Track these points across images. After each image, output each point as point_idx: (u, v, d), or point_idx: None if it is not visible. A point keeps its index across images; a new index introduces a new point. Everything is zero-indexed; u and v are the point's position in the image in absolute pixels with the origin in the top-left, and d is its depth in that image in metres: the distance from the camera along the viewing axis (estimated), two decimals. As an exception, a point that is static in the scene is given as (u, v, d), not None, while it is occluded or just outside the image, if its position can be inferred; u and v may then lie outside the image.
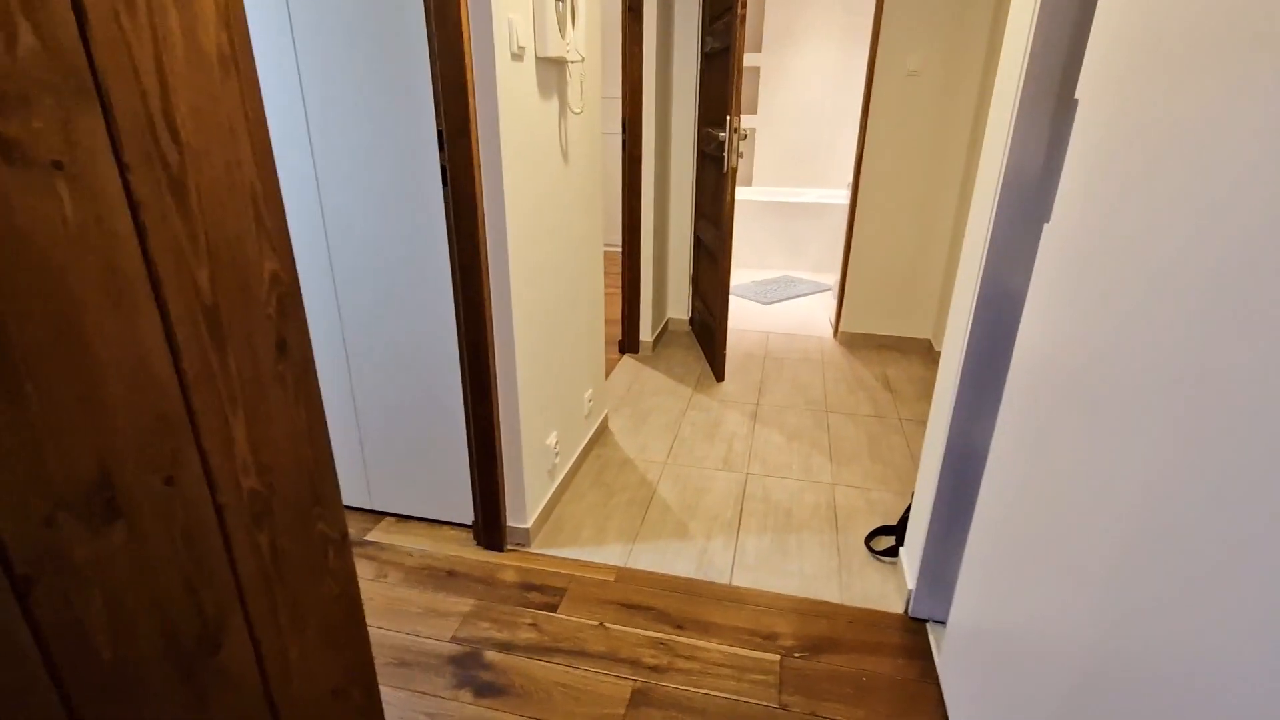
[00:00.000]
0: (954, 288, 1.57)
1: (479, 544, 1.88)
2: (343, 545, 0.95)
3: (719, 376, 3.06)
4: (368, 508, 2.02)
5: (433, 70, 1.45)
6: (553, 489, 2.03)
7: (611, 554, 1.85)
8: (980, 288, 1.34)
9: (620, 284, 3.36)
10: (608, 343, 3.45)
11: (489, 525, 1.84)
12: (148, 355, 0.63)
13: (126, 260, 0.61)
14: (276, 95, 1.59)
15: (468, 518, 1.94)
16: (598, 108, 2.15)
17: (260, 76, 1.61)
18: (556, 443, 2.02)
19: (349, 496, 2.02)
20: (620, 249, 3.25)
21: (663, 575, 1.77)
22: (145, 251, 0.62)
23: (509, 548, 1.87)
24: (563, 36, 1.69)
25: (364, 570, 1.77)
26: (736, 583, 1.75)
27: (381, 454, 1.93)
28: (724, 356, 3.04)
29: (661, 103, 3.08)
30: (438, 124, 1.49)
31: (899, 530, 1.86)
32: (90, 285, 0.58)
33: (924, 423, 2.64)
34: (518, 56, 1.54)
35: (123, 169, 0.60)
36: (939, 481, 1.51)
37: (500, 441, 1.77)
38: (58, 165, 0.54)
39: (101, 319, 0.59)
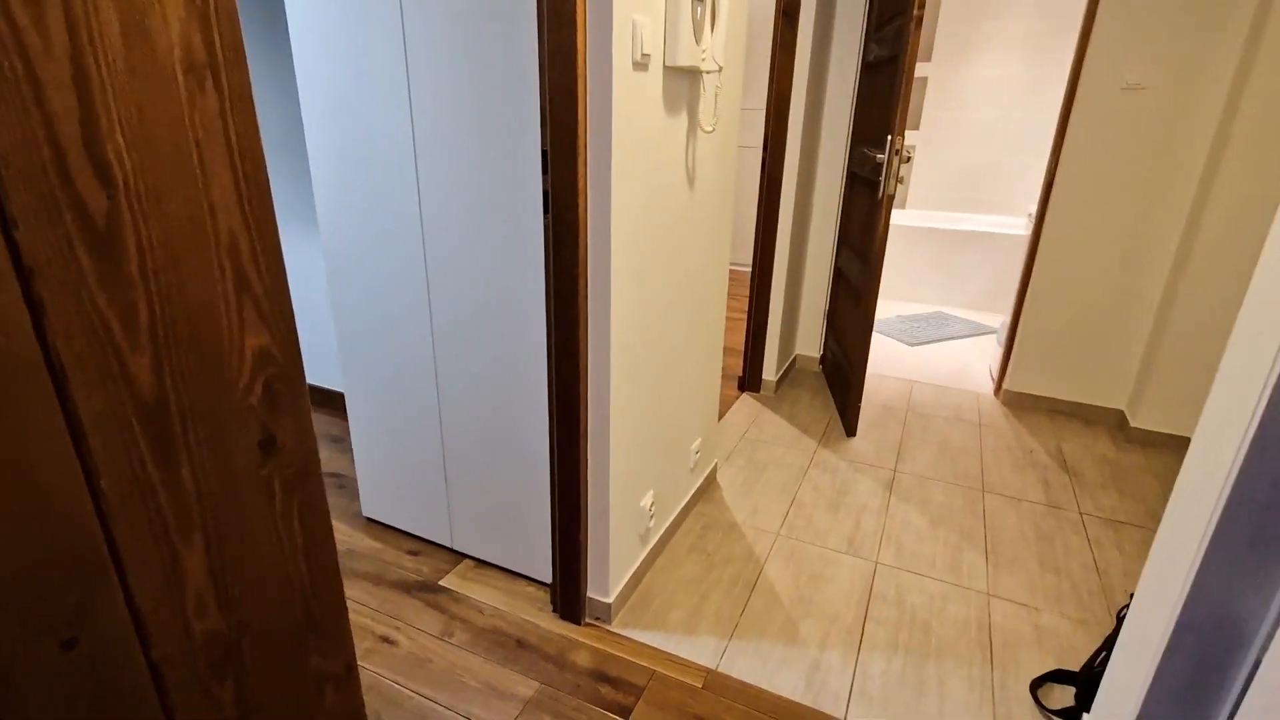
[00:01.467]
0: (1220, 369, 1.13)
1: (555, 610, 1.67)
2: (346, 679, 0.75)
3: (850, 431, 2.67)
4: (448, 546, 1.89)
5: (541, 81, 1.26)
6: (643, 555, 1.78)
7: (703, 649, 1.57)
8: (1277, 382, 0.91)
9: (745, 313, 3.06)
10: (726, 377, 3.16)
11: (566, 593, 1.63)
12: (39, 477, 0.46)
13: (9, 353, 0.43)
14: (384, 109, 1.48)
15: (547, 575, 1.74)
16: (735, 124, 1.88)
17: (370, 89, 1.47)
18: (652, 504, 1.78)
19: (431, 532, 1.90)
20: (749, 271, 2.95)
21: (762, 691, 1.46)
22: (42, 338, 0.45)
23: (587, 621, 1.65)
24: (698, 43, 1.44)
25: (431, 624, 1.63)
26: (854, 718, 1.40)
27: (465, 493, 1.78)
28: (858, 408, 2.64)
29: (810, 118, 2.75)
30: (543, 143, 1.30)
31: (1082, 683, 1.41)
32: (-61, 391, 0.41)
33: (1115, 522, 2.10)
34: (641, 65, 1.32)
35: (7, 225, 0.42)
36: (1169, 647, 1.08)
37: (586, 504, 1.56)
38: (-122, 224, 0.37)
39: (-43, 437, 0.42)
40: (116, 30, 0.45)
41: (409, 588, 1.74)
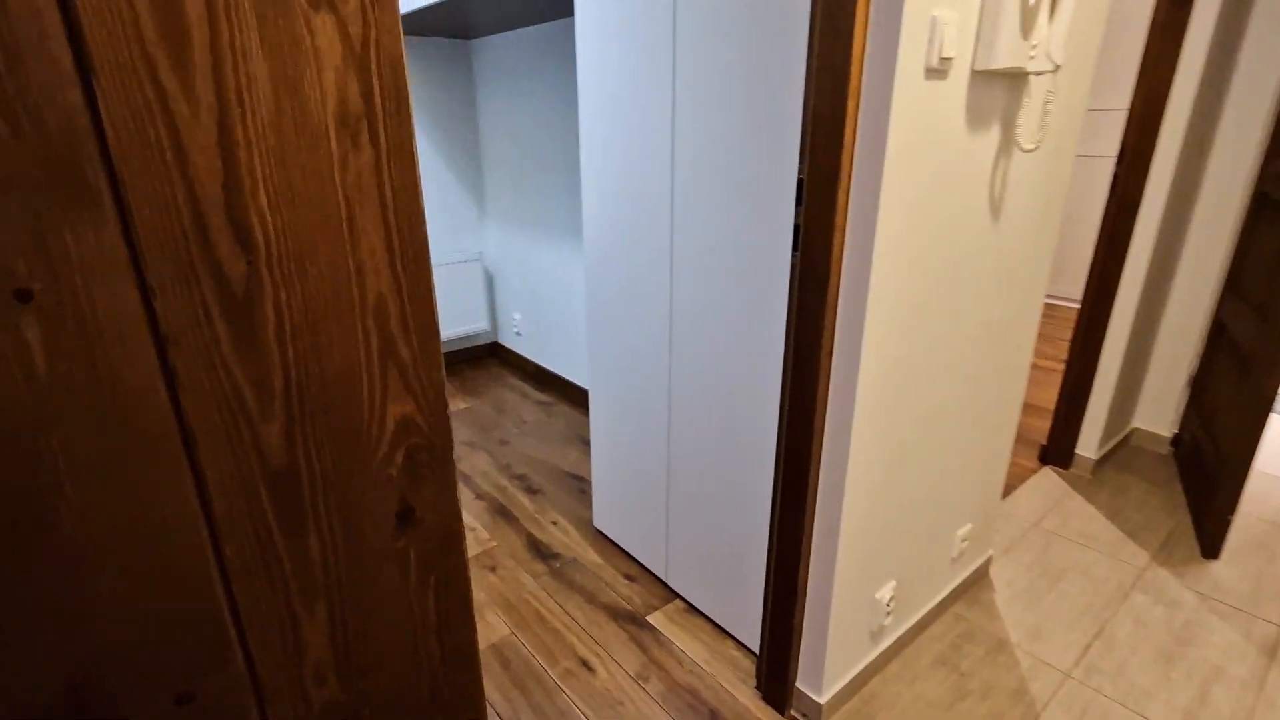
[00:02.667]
0: None
1: (757, 688, 1.49)
2: (476, 762, 0.70)
3: (1209, 549, 1.94)
4: (663, 580, 1.83)
5: (805, 98, 1.08)
6: (872, 656, 1.49)
7: (932, 803, 1.24)
8: None
9: (1063, 363, 2.44)
10: (1024, 442, 2.57)
11: (773, 675, 1.43)
12: (166, 539, 0.46)
13: (142, 419, 0.43)
14: (649, 144, 1.45)
15: (756, 643, 1.57)
16: (1070, 135, 1.45)
17: (639, 126, 1.43)
18: (892, 598, 1.47)
19: (649, 560, 1.86)
20: (1077, 309, 2.34)
21: None
22: (176, 405, 0.44)
23: (791, 715, 1.43)
24: (1027, 37, 1.12)
25: (630, 660, 1.58)
26: None
27: (684, 532, 1.70)
28: (1229, 518, 1.90)
29: (1197, 122, 2.06)
30: (800, 171, 1.12)
31: None
32: (74, 455, 0.41)
33: None
34: (937, 73, 1.05)
35: (146, 293, 0.42)
36: None
37: (806, 584, 1.34)
38: (23, 295, 0.38)
39: (89, 496, 0.42)
40: (266, 87, 0.42)
41: (618, 615, 1.72)
